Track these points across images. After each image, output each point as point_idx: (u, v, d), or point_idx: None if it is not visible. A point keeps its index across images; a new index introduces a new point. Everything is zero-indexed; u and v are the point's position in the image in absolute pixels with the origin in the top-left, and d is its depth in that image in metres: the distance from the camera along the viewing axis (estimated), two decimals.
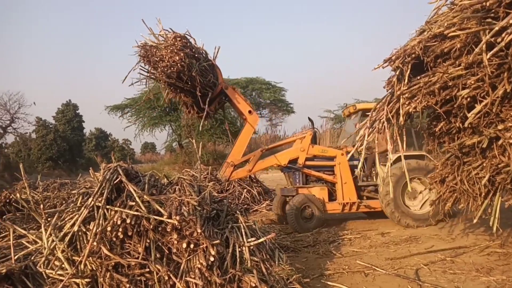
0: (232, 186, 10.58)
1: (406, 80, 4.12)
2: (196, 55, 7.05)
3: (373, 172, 8.06)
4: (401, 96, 4.19)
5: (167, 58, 6.49)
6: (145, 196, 3.38)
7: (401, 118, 4.24)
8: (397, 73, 4.25)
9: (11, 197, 6.08)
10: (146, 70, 6.98)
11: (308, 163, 7.89)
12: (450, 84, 3.98)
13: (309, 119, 8.85)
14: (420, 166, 7.28)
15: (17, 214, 5.86)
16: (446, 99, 4.13)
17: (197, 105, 7.31)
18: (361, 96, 36.72)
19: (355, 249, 5.80)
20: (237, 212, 3.94)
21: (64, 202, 6.40)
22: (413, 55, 4.09)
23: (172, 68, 6.49)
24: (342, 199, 7.66)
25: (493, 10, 3.49)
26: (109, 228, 3.22)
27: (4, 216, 5.52)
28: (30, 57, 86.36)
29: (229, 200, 4.46)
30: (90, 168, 3.85)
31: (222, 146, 25.90)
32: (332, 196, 7.86)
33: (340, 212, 7.76)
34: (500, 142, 3.94)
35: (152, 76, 7.01)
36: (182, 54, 6.51)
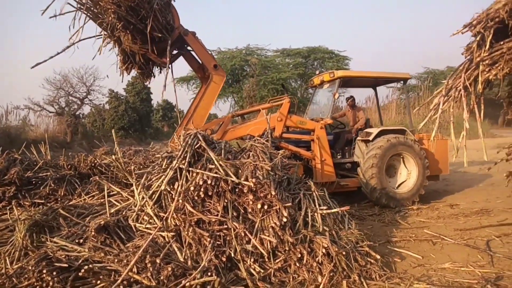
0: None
1: (487, 46, 3.93)
2: None
3: (345, 148, 7.54)
4: (481, 63, 4.02)
5: None
6: (222, 161, 3.65)
7: (479, 86, 4.09)
8: (478, 38, 4.06)
9: (95, 161, 6.67)
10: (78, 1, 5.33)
11: (284, 135, 6.75)
12: None
13: (282, 85, 7.82)
14: (400, 142, 6.82)
15: (102, 177, 6.52)
16: None
17: (144, 56, 5.80)
18: (432, 64, 34.53)
19: (422, 219, 5.77)
20: (309, 180, 4.11)
21: (141, 166, 6.99)
22: (497, 19, 3.88)
23: None
24: (321, 178, 6.67)
25: None
26: (192, 188, 3.54)
27: (90, 178, 6.11)
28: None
29: None
30: (174, 134, 4.17)
31: None
32: (307, 174, 6.44)
33: None
34: None
35: (89, 5, 5.33)
36: None
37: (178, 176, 3.75)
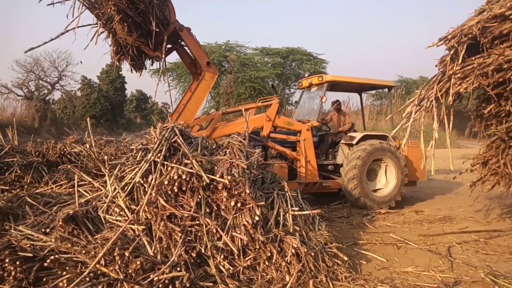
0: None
1: (460, 60, 4.10)
2: None
3: (329, 150, 7.80)
4: (453, 76, 4.18)
5: None
6: (198, 157, 3.65)
7: (450, 98, 4.25)
8: (451, 52, 4.22)
9: (65, 149, 6.48)
10: None
11: (271, 135, 6.88)
12: (505, 66, 3.94)
13: (272, 86, 8.11)
14: (383, 147, 7.10)
15: (72, 166, 6.34)
16: (499, 81, 4.10)
17: (137, 48, 5.89)
18: (405, 73, 35.57)
19: (388, 224, 5.95)
20: (283, 180, 4.16)
21: (112, 157, 6.86)
22: (470, 35, 4.04)
23: None
24: (304, 178, 6.86)
25: None
26: (166, 182, 3.52)
27: (59, 167, 5.94)
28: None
29: None
30: (152, 127, 4.12)
31: None
32: (291, 175, 6.93)
33: (300, 191, 6.95)
34: None
35: None
36: None
37: (153, 169, 3.71)
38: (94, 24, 5.80)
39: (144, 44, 5.74)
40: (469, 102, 4.54)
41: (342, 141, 7.47)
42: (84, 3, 5.43)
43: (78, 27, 5.50)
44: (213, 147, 4.46)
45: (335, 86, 7.72)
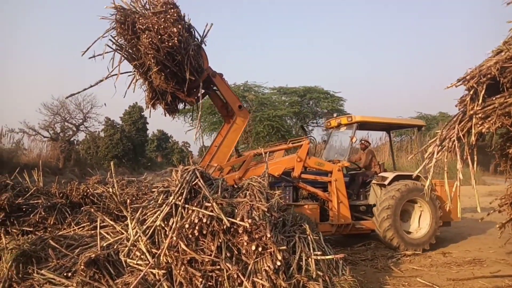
0: None
1: (480, 100, 4.07)
2: (190, 30, 5.97)
3: (360, 190, 7.65)
4: (474, 116, 4.13)
5: (159, 27, 5.31)
6: (219, 199, 3.66)
7: (472, 138, 4.18)
8: (471, 92, 4.20)
9: (88, 190, 6.58)
10: (116, 43, 5.75)
11: (302, 176, 6.90)
12: None
13: (302, 127, 8.23)
14: (417, 187, 6.92)
15: (94, 207, 6.41)
16: None
17: (173, 94, 6.16)
18: (424, 109, 35.38)
19: (415, 267, 5.72)
20: (304, 223, 4.11)
21: (134, 198, 6.92)
22: (489, 76, 4.03)
23: (167, 42, 5.35)
24: (337, 220, 6.76)
25: None
26: (186, 225, 3.52)
27: (82, 208, 6.02)
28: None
29: None
30: (174, 169, 4.17)
31: None
32: (322, 216, 6.95)
33: (331, 234, 6.84)
34: None
35: (129, 49, 5.71)
36: (180, 27, 5.41)
37: (174, 212, 3.73)
38: (130, 72, 6.17)
39: (179, 90, 6.03)
40: (493, 141, 4.45)
41: (373, 181, 7.37)
42: (124, 55, 5.79)
43: (111, 75, 5.85)
44: (233, 188, 4.48)
45: (364, 125, 7.83)
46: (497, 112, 4.03)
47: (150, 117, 6.85)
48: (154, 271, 3.53)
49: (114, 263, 3.89)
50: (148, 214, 3.89)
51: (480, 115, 4.13)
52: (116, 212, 5.63)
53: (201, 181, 3.85)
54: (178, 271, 3.46)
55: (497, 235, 5.56)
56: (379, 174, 7.46)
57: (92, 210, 4.73)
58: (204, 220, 3.51)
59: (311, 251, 3.78)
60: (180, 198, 3.72)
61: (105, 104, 37.11)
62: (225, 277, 3.41)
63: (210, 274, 3.47)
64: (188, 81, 5.76)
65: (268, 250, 3.50)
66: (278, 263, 3.42)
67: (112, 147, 32.22)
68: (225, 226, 3.52)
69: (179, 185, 3.79)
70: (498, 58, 4.12)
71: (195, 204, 3.67)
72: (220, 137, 6.92)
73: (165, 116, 6.88)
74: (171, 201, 3.70)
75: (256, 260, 3.50)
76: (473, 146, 4.39)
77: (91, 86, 5.98)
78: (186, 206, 3.68)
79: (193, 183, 3.88)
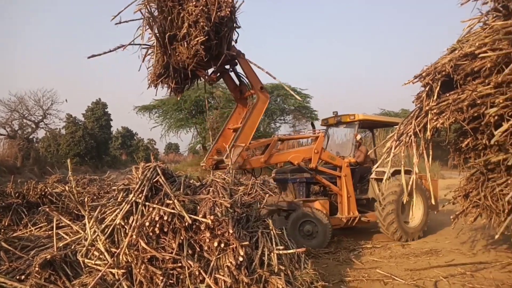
0: (254, 190, 10.71)
1: (435, 96, 4.24)
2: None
3: (358, 185, 7.88)
4: (430, 112, 4.30)
5: None
6: (181, 196, 3.61)
7: (428, 133, 4.35)
8: (427, 89, 4.37)
9: (46, 190, 6.33)
10: (149, 11, 5.40)
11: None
12: (478, 102, 4.08)
13: (312, 124, 8.46)
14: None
15: (52, 207, 6.18)
16: (473, 116, 4.23)
17: (192, 72, 5.92)
18: (387, 106, 36.48)
19: (375, 259, 5.89)
20: (268, 218, 4.13)
21: (95, 197, 6.72)
22: (443, 73, 4.20)
23: (221, 11, 5.31)
24: (346, 213, 7.12)
25: None
26: (147, 223, 3.45)
27: (39, 208, 5.79)
28: (64, 56, 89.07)
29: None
30: (135, 166, 4.07)
31: None
32: (332, 210, 7.27)
33: (341, 226, 7.23)
34: None
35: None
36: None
37: (134, 210, 3.64)
38: (144, 45, 5.85)
39: (201, 67, 5.92)
40: (447, 136, 4.65)
41: (372, 176, 7.62)
42: (157, 22, 5.42)
43: (131, 44, 5.58)
44: (197, 185, 4.43)
45: (365, 124, 8.25)
46: (451, 108, 4.22)
47: (156, 95, 6.50)
48: (113, 270, 3.44)
49: (72, 264, 3.77)
50: (107, 213, 3.79)
51: (435, 110, 4.30)
52: (76, 212, 5.46)
53: (163, 178, 3.78)
54: (138, 270, 3.39)
55: (451, 227, 5.84)
56: (377, 169, 7.67)
57: (48, 209, 4.54)
58: (165, 218, 3.45)
59: (274, 246, 3.81)
60: (140, 195, 3.64)
61: (66, 100, 35.84)
62: (187, 275, 3.37)
63: (171, 272, 3.42)
64: (222, 57, 5.72)
65: (231, 246, 3.48)
66: (241, 259, 3.42)
67: (74, 145, 31.17)
68: (187, 223, 3.48)
69: (139, 182, 3.71)
70: (452, 56, 4.31)
71: (156, 202, 3.61)
72: (234, 120, 6.96)
73: (170, 95, 6.78)
74: (131, 199, 3.62)
75: (218, 256, 3.48)
76: (429, 140, 4.58)
77: (110, 51, 5.52)
78: (147, 203, 3.61)
79: (154, 180, 3.81)
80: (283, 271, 3.60)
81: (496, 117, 3.97)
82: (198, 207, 3.68)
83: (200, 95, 22.65)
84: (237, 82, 6.90)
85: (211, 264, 3.45)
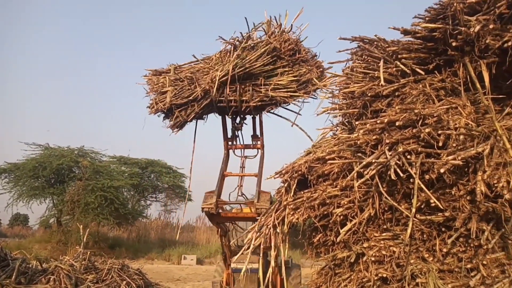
0: (110, 276, 9.72)
1: (292, 193, 4.63)
2: None
3: None
4: (287, 206, 4.65)
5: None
6: (12, 285, 3.07)
7: (285, 227, 4.65)
8: (285, 185, 4.77)
9: None
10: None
11: None
12: (328, 201, 4.57)
13: None
14: None
15: None
16: (324, 214, 4.69)
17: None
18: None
19: None
20: None
21: None
22: (300, 172, 4.67)
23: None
24: None
25: (362, 148, 4.28)
26: None
27: None
28: None
29: None
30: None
31: (106, 228, 23.98)
32: None
33: None
34: (365, 258, 4.51)
35: None
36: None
37: None
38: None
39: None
40: (301, 231, 5.02)
41: None
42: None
43: None
44: (37, 269, 3.84)
45: None
46: (305, 204, 4.63)
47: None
48: None
49: None
50: None
51: (291, 206, 4.67)
52: None
53: None
54: None
55: None
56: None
57: None
58: None
59: None
60: None
61: None
62: None
63: None
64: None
65: None
66: None
67: None
68: None
69: None
70: (307, 158, 4.85)
71: None
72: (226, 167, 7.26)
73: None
74: None
75: None
76: (286, 234, 4.88)
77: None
78: None
79: None
80: None
81: (341, 217, 4.47)
82: None
83: (63, 163, 20.76)
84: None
85: None
